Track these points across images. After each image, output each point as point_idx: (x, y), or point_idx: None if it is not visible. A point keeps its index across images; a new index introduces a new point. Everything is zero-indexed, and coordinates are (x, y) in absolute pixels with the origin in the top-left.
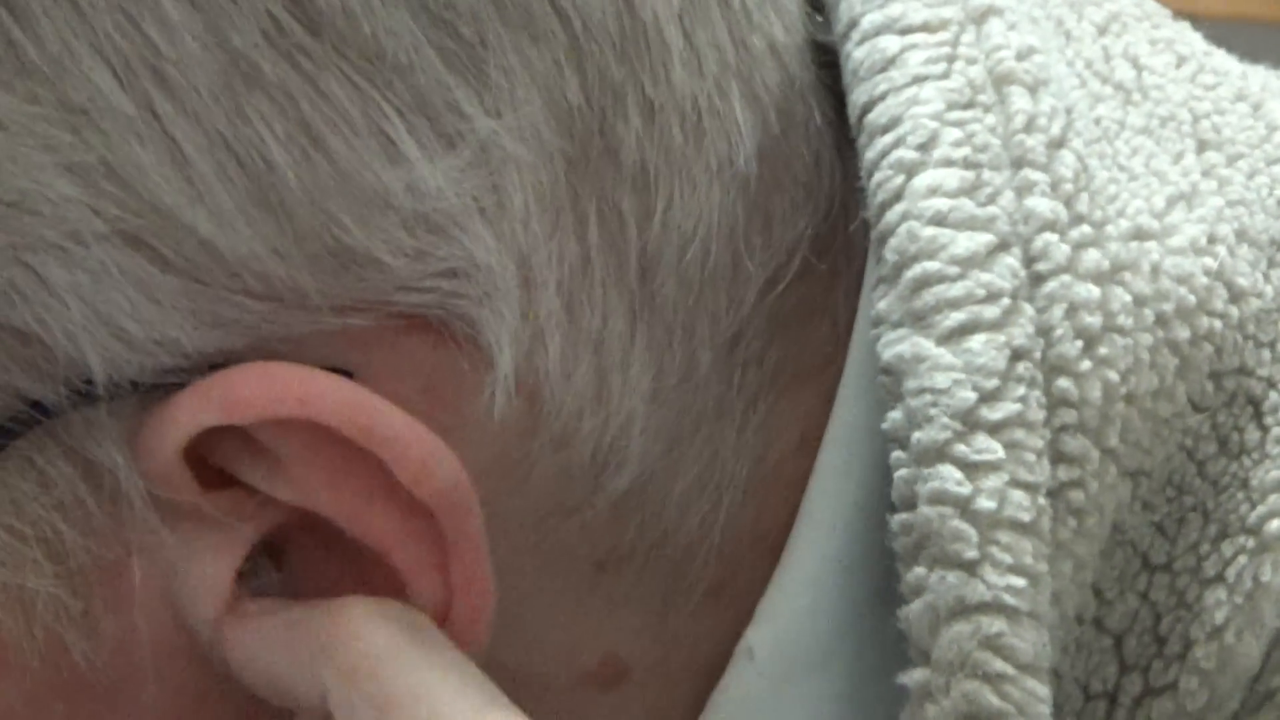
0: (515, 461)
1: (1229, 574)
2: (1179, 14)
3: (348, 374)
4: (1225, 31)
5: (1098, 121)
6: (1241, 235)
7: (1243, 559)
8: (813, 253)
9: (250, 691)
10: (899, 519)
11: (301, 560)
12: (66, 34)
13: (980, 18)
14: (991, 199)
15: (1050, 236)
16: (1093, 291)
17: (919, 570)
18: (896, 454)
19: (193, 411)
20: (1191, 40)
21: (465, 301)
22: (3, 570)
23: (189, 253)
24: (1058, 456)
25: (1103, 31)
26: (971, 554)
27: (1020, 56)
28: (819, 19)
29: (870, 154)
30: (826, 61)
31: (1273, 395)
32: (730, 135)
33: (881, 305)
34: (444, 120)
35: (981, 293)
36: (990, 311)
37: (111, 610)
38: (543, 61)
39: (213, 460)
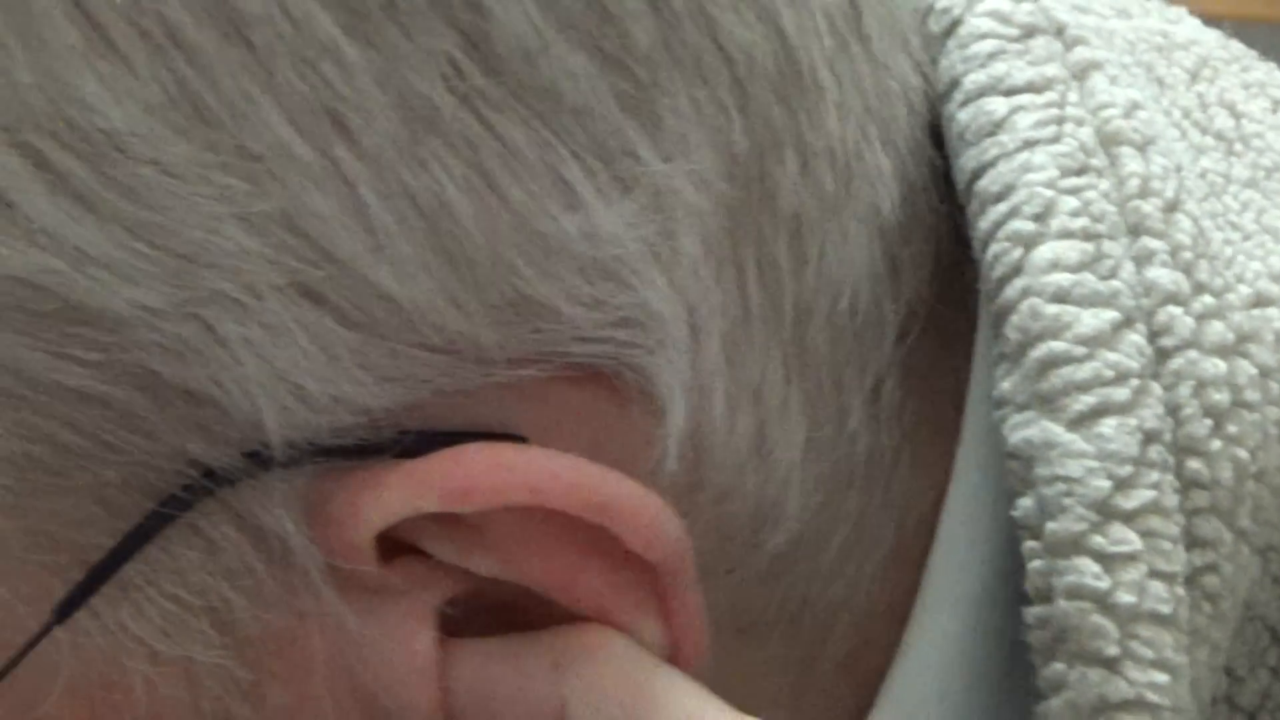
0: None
1: None
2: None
3: (520, 438)
4: (1225, 32)
5: (1203, 175)
6: None
7: None
8: (937, 304)
9: None
10: (1034, 613)
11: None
12: (243, 79)
13: (1082, 74)
14: (1113, 272)
15: (1174, 310)
16: (1219, 366)
17: (1058, 666)
18: (1030, 544)
19: (405, 495)
20: None
21: (639, 351)
22: (169, 642)
23: (366, 305)
24: (1192, 541)
25: (1195, 78)
26: (1112, 650)
27: (1127, 114)
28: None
29: (984, 224)
30: None
31: None
32: (874, 182)
33: (1005, 385)
34: (619, 164)
35: (1110, 374)
36: (1120, 393)
37: (281, 681)
38: (711, 104)
39: (391, 530)
